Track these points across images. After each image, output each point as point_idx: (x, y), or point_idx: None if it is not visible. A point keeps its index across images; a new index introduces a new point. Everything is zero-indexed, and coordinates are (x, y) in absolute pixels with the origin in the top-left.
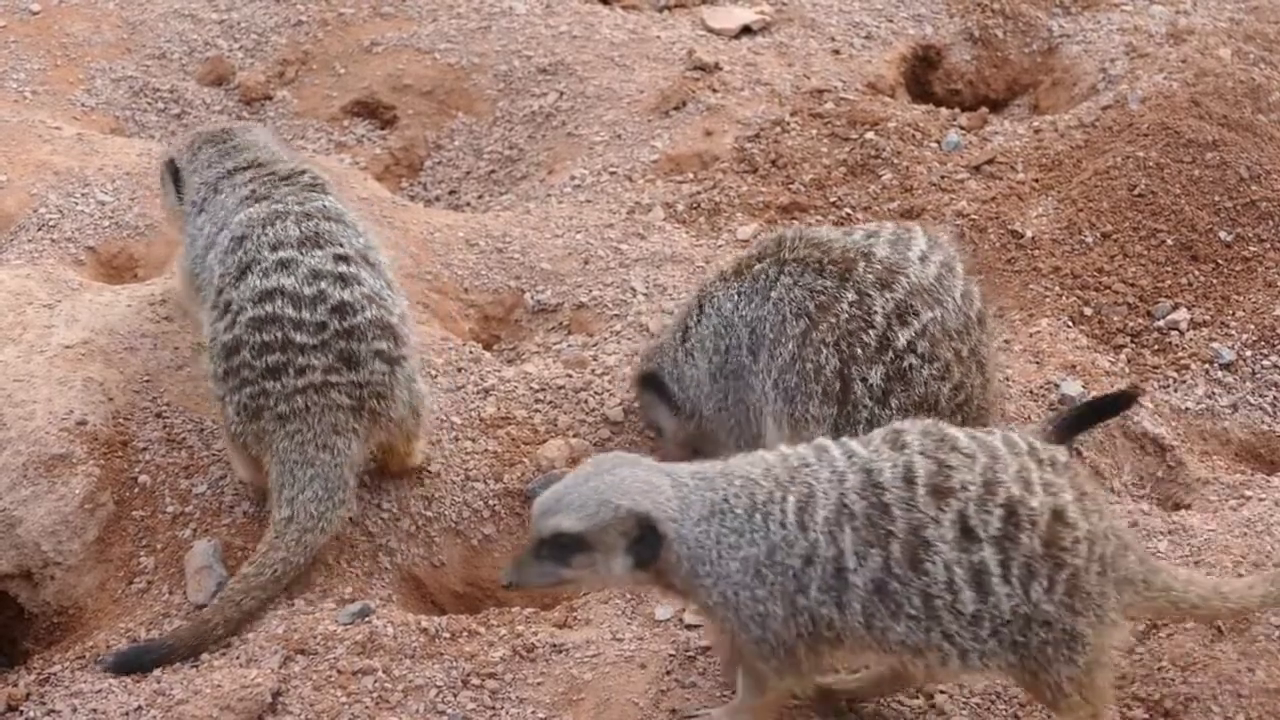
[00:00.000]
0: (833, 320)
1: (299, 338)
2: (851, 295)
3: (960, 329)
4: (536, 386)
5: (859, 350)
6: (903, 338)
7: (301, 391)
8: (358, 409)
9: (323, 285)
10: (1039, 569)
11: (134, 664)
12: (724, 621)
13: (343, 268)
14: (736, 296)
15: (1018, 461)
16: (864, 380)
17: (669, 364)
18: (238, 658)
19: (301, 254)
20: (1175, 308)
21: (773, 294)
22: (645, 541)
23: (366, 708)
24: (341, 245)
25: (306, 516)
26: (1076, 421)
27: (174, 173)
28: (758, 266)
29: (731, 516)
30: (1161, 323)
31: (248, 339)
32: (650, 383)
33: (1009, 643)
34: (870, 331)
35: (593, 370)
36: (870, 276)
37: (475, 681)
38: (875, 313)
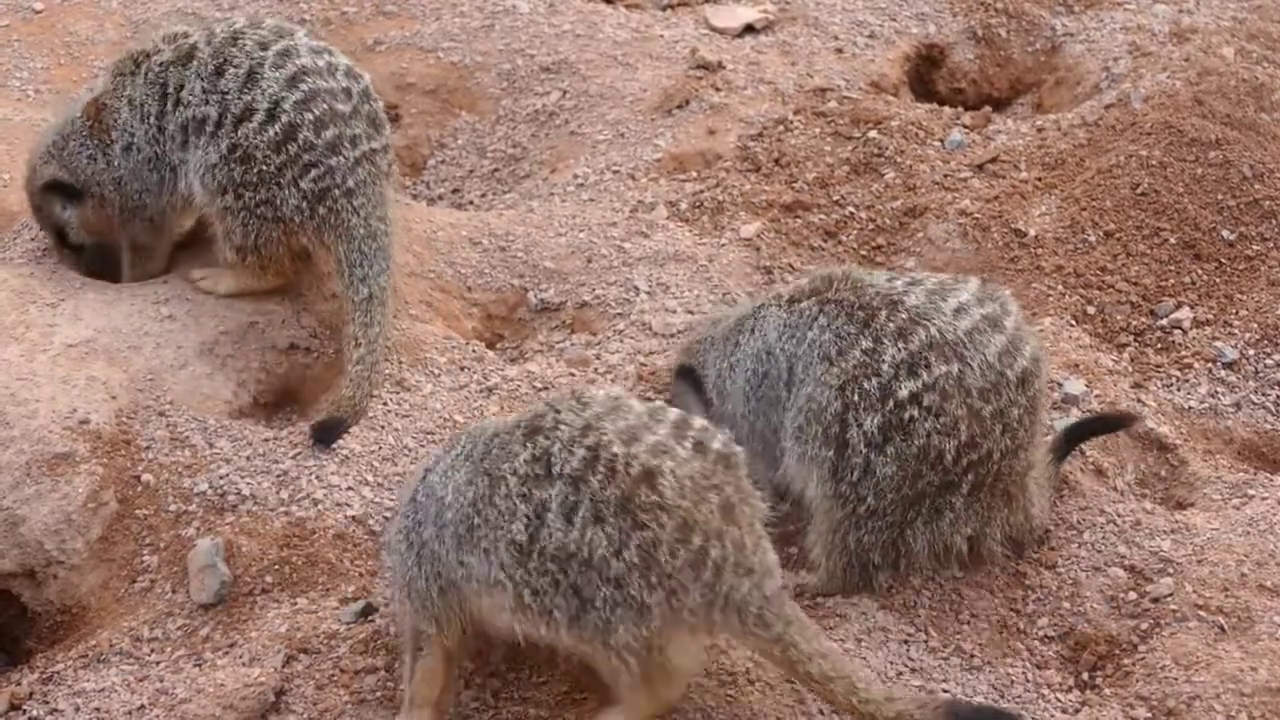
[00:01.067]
0: (844, 365)
1: (339, 106)
2: (867, 343)
3: (987, 388)
4: (540, 385)
5: (858, 397)
6: (906, 389)
7: (359, 162)
8: (387, 174)
9: (327, 57)
10: (608, 517)
11: (330, 435)
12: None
13: (321, 42)
14: (782, 327)
15: (637, 421)
16: (860, 426)
17: (713, 371)
18: (240, 657)
19: (292, 40)
20: (1178, 306)
21: (809, 334)
22: None
23: (370, 707)
24: (300, 32)
25: (380, 289)
26: (1080, 431)
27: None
28: (804, 303)
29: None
30: (1164, 321)
31: (300, 119)
32: (688, 377)
33: (565, 587)
34: (874, 380)
35: (595, 369)
36: (891, 326)
37: (478, 680)
38: (884, 361)
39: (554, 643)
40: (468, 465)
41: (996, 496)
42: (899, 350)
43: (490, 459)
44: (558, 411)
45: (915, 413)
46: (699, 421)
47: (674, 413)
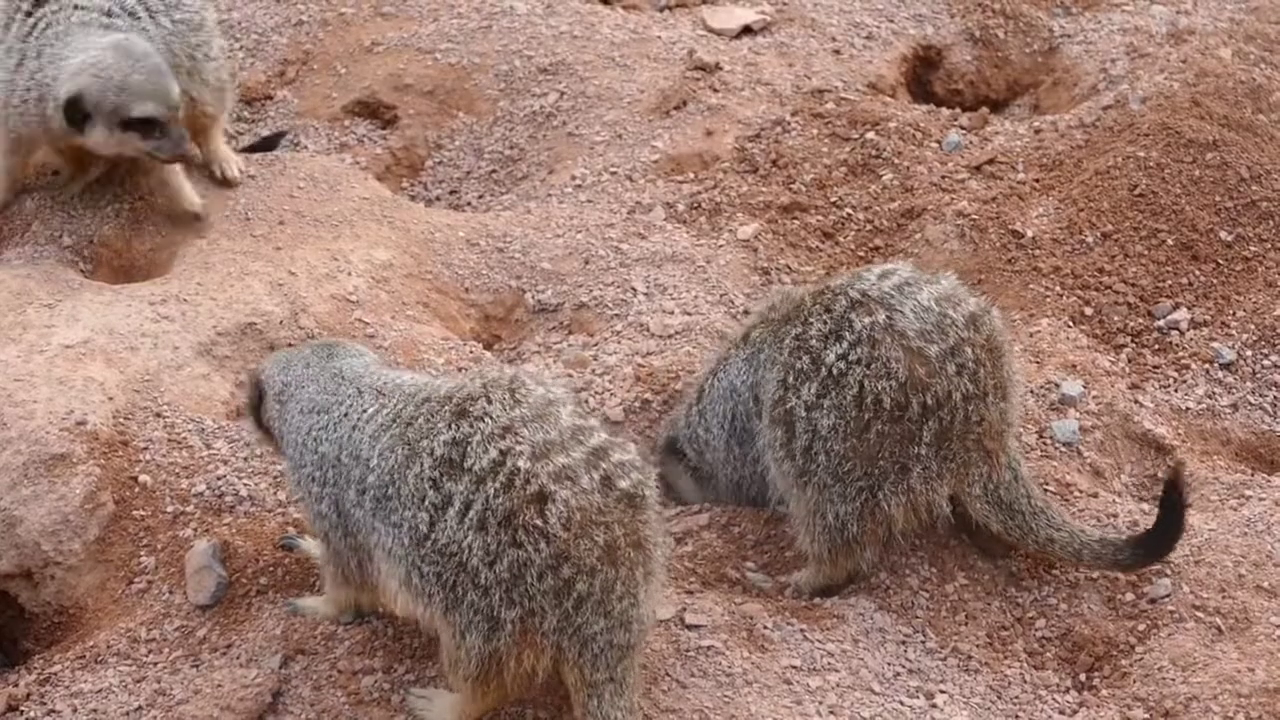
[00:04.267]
0: (783, 358)
1: None
2: (797, 329)
3: (928, 329)
4: None
5: (793, 378)
6: (834, 352)
7: None
8: None
9: None
10: (491, 527)
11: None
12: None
13: None
14: (741, 364)
15: (556, 436)
16: (799, 397)
17: (684, 427)
18: (238, 658)
19: None
20: (1176, 307)
21: (761, 355)
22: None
23: (367, 708)
24: None
25: None
26: (1165, 530)
27: None
28: (754, 333)
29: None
30: (1162, 322)
31: None
32: (674, 451)
33: (445, 580)
34: (806, 357)
35: (593, 370)
36: (817, 307)
37: None
38: (812, 337)
39: (427, 624)
40: (394, 429)
41: (971, 450)
42: (824, 323)
43: (415, 429)
44: (489, 400)
45: (843, 366)
46: (620, 454)
47: (599, 436)
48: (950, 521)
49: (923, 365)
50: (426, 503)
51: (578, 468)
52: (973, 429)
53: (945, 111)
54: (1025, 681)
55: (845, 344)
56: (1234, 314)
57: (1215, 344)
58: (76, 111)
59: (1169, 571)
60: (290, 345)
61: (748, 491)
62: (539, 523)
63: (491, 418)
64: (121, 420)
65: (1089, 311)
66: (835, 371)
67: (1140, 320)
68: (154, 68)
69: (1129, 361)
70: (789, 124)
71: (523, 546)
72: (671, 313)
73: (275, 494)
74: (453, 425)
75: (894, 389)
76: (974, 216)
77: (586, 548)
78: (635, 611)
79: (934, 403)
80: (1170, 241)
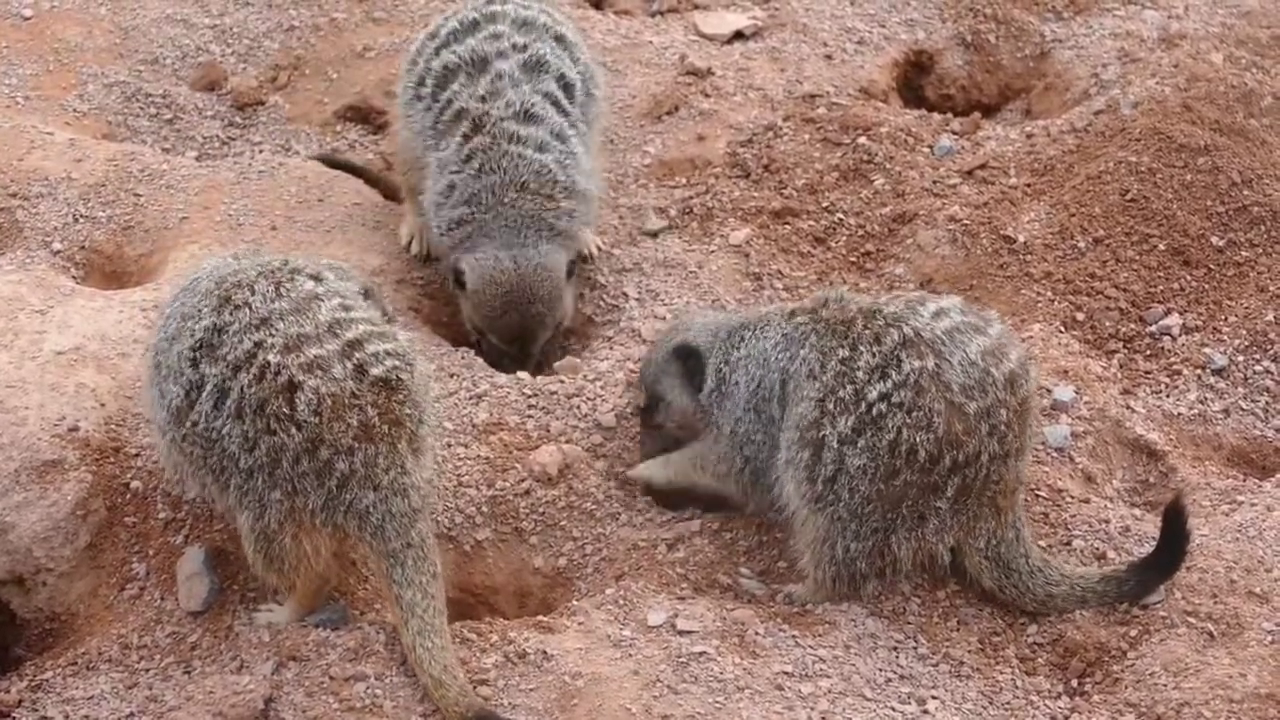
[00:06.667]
0: (824, 379)
1: None
2: (844, 351)
3: (970, 384)
4: (529, 392)
5: (833, 405)
6: (877, 390)
7: None
8: None
9: None
10: (247, 415)
11: None
12: None
13: None
14: (779, 338)
15: (312, 330)
16: (834, 427)
17: (717, 357)
18: (230, 664)
19: None
20: (1167, 313)
21: (800, 350)
22: None
23: (359, 714)
24: None
25: None
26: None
27: None
28: (800, 319)
29: None
30: (1154, 328)
31: None
32: (690, 358)
33: (210, 464)
34: (849, 387)
35: (585, 376)
36: (868, 332)
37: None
38: (859, 368)
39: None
40: (185, 299)
41: (984, 505)
42: (873, 355)
43: (190, 305)
44: (252, 291)
45: (884, 408)
46: (377, 345)
47: (359, 329)
48: (947, 572)
49: (961, 422)
50: (182, 379)
51: (330, 358)
52: (990, 487)
53: (937, 116)
54: (1017, 687)
55: (890, 383)
56: (1226, 319)
57: (1207, 349)
58: None
59: None
60: None
61: (746, 454)
62: (287, 411)
63: (251, 308)
64: (113, 426)
65: (1081, 317)
66: (876, 412)
67: (1132, 325)
68: None
69: (1121, 367)
70: (781, 129)
71: (276, 433)
72: (663, 318)
73: None
74: (216, 313)
75: (930, 442)
76: (965, 222)
77: (340, 430)
78: (406, 480)
79: (964, 460)
80: (1162, 246)
